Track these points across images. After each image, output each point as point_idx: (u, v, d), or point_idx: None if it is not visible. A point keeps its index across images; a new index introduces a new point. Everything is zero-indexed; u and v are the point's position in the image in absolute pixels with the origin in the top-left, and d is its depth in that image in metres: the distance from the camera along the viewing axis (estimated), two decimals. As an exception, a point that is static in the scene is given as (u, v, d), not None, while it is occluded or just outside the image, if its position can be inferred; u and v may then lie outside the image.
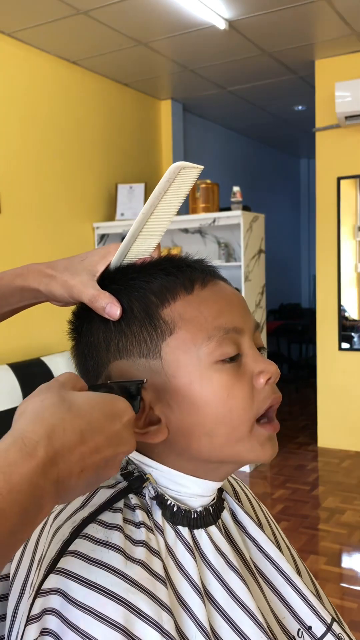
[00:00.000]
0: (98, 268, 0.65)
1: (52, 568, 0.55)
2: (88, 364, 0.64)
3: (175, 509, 0.61)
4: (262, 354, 0.64)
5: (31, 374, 3.56)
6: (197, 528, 0.62)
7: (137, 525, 0.59)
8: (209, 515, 0.63)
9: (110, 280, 0.64)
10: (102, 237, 4.53)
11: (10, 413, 3.33)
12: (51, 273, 0.66)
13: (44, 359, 3.74)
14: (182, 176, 0.60)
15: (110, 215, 4.63)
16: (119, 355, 0.61)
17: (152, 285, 0.61)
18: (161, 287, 0.61)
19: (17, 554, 0.62)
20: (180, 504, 0.62)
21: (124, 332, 0.61)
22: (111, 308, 0.61)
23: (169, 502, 0.61)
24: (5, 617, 0.59)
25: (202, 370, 0.59)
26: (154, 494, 0.62)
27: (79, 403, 0.49)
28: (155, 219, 0.63)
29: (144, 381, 0.58)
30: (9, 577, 0.61)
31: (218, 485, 0.64)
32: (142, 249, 0.65)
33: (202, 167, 0.60)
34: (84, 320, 0.65)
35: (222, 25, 3.68)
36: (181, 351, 0.59)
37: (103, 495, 0.61)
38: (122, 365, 0.61)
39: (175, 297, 0.60)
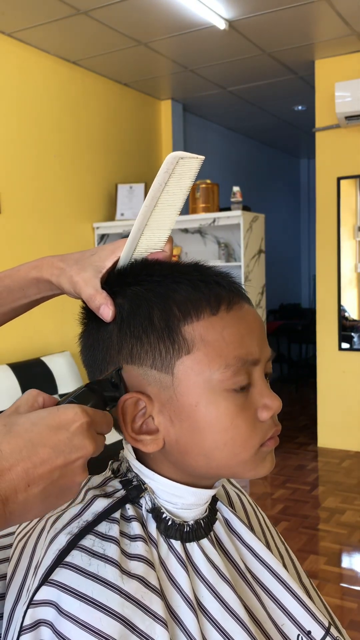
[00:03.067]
0: (106, 264, 0.65)
1: (46, 578, 0.55)
2: (97, 356, 0.63)
3: (169, 522, 0.61)
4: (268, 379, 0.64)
5: (31, 374, 3.56)
6: (190, 541, 0.62)
7: (133, 538, 0.59)
8: (201, 529, 0.63)
9: (133, 278, 0.62)
10: (102, 237, 4.53)
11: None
12: (62, 266, 0.67)
13: (44, 359, 3.74)
14: (182, 167, 0.59)
15: (110, 215, 4.63)
16: (131, 360, 0.60)
17: (176, 295, 0.59)
18: (186, 300, 0.59)
19: (15, 556, 0.62)
20: (174, 517, 0.62)
21: (140, 339, 0.59)
22: (104, 309, 0.61)
23: (164, 516, 0.61)
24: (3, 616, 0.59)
25: (211, 395, 0.58)
26: (150, 506, 0.62)
27: (20, 423, 0.50)
28: (160, 212, 0.62)
29: (121, 367, 0.60)
30: (6, 577, 0.61)
31: (212, 492, 0.64)
32: (152, 243, 0.64)
33: (202, 157, 0.59)
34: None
35: (222, 25, 3.68)
36: (194, 372, 0.58)
37: (100, 505, 0.61)
38: (131, 371, 0.60)
39: (199, 315, 0.59)
